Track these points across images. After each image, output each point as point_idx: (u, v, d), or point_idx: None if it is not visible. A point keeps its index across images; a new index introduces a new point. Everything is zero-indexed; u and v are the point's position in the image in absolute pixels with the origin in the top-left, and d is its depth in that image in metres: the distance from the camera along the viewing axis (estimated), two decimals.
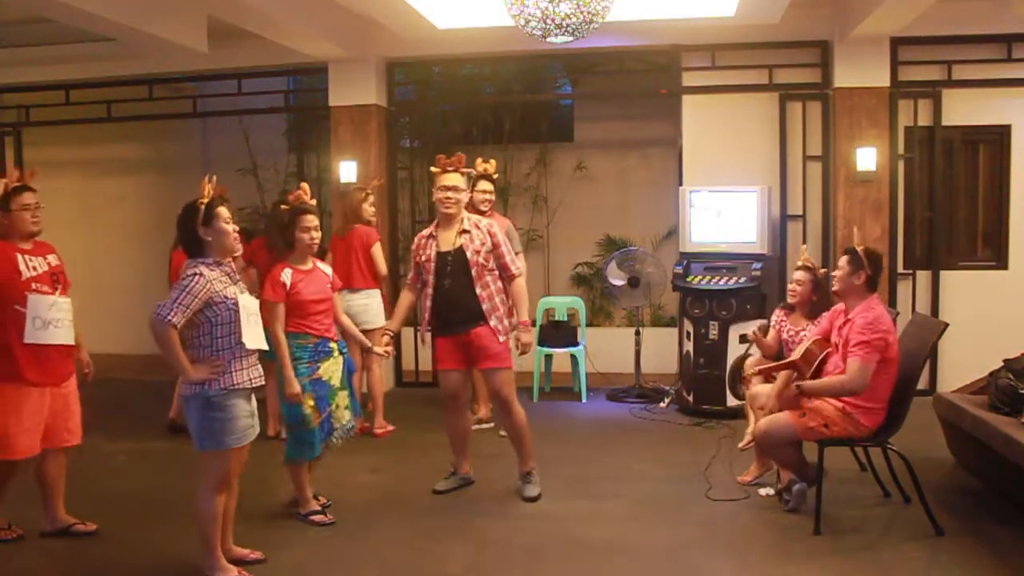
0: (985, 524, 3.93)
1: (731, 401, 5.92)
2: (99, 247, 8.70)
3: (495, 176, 5.35)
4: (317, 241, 4.08)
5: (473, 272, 4.28)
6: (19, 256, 3.75)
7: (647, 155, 8.17)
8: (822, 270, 4.69)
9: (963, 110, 6.47)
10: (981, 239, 6.76)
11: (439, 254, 4.34)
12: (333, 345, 4.07)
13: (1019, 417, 4.05)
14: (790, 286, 4.62)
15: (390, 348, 4.43)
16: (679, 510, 4.21)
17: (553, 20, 4.53)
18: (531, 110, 8.32)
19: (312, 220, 4.04)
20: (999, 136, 6.53)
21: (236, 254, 3.49)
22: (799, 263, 4.65)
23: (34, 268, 3.79)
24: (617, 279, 6.68)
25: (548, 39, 4.80)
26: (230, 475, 3.40)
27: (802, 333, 4.49)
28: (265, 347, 3.47)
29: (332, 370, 4.04)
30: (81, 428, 3.96)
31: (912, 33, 6.16)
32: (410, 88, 7.74)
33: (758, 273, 6.04)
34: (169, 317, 3.17)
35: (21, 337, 3.69)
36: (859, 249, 3.98)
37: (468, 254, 4.29)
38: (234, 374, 3.30)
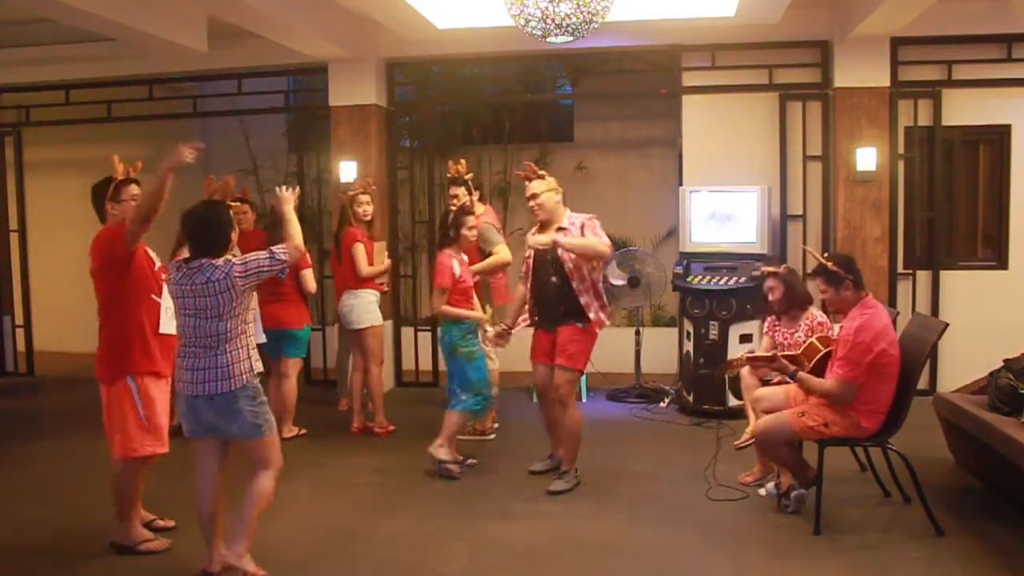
0: (985, 524, 3.93)
1: (731, 401, 5.92)
2: None
3: (467, 177, 5.48)
4: (476, 237, 4.79)
5: (567, 267, 4.45)
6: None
7: (647, 155, 8.18)
8: (783, 267, 4.70)
9: (963, 110, 6.47)
10: (981, 239, 6.76)
11: (538, 252, 4.59)
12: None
13: (1019, 417, 4.05)
14: (769, 298, 4.63)
15: (501, 341, 4.77)
16: (679, 510, 4.22)
17: (553, 20, 4.54)
18: (531, 110, 8.33)
19: (473, 220, 4.71)
20: (999, 136, 6.53)
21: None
22: (762, 272, 4.67)
23: (155, 259, 3.79)
24: (617, 279, 6.68)
25: (548, 39, 4.81)
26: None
27: (796, 335, 4.49)
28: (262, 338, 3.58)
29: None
30: None
31: (912, 33, 6.17)
32: (410, 88, 7.74)
33: (758, 273, 6.03)
34: (281, 257, 3.29)
35: (155, 328, 3.66)
36: (828, 266, 3.93)
37: (559, 251, 4.46)
38: (256, 361, 3.40)
